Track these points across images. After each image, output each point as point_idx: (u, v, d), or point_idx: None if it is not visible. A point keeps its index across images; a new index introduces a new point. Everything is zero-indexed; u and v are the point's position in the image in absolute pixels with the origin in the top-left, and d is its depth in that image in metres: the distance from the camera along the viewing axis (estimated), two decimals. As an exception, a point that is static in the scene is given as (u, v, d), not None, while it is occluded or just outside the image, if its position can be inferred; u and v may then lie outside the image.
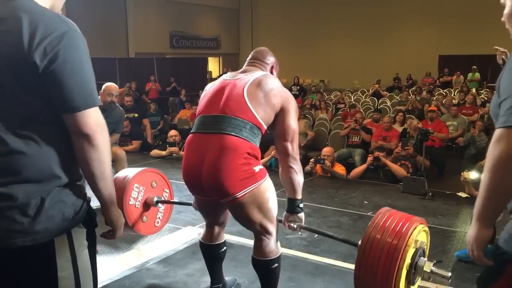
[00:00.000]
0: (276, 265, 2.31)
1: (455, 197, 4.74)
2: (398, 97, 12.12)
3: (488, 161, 1.27)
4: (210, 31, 21.21)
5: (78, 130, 1.29)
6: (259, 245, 2.28)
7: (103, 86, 4.41)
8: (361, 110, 9.15)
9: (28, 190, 1.26)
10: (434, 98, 11.33)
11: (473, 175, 4.12)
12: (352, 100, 11.92)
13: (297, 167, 2.24)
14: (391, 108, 10.17)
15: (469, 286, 2.79)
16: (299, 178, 2.25)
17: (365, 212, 4.27)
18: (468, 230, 1.45)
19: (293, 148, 2.22)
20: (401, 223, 2.04)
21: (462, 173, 4.25)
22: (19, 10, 1.25)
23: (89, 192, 1.42)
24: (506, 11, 1.43)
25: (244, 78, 2.21)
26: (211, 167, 2.06)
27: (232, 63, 20.23)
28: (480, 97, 11.57)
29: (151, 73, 14.25)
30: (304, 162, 5.64)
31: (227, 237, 2.69)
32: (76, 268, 1.35)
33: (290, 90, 12.04)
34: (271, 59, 2.43)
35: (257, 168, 2.13)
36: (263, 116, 2.15)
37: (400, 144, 5.86)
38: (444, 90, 13.83)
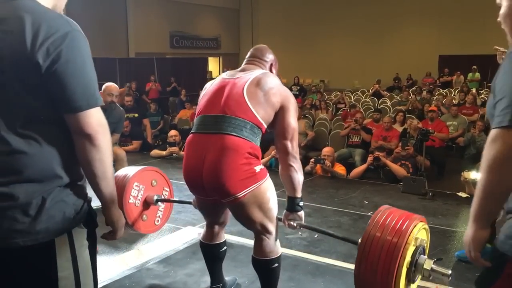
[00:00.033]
0: (276, 265, 2.31)
1: (455, 197, 4.74)
2: (398, 97, 12.12)
3: (484, 161, 1.27)
4: (210, 31, 21.20)
5: (80, 130, 1.29)
6: (259, 244, 2.28)
7: (103, 86, 4.41)
8: (361, 110, 9.15)
9: (30, 190, 1.26)
10: (434, 98, 11.32)
11: (473, 175, 4.12)
12: (352, 100, 11.92)
13: (297, 165, 2.24)
14: (391, 108, 10.17)
15: (469, 286, 2.79)
16: (299, 177, 2.25)
17: (365, 212, 4.27)
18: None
19: (293, 146, 2.22)
20: (401, 221, 2.04)
21: (462, 173, 4.25)
22: (22, 10, 1.25)
23: (89, 192, 1.42)
24: (502, 11, 1.43)
25: (244, 77, 2.21)
26: (212, 167, 2.06)
27: (232, 63, 20.21)
28: (480, 97, 11.56)
29: (151, 73, 14.26)
30: (304, 162, 5.64)
31: (227, 237, 2.69)
32: (77, 268, 1.35)
33: (290, 90, 11.94)
34: (270, 57, 2.42)
35: (258, 168, 2.13)
36: (263, 116, 2.15)
37: (400, 144, 5.86)
38: (444, 90, 13.83)
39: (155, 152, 6.90)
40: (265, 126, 2.17)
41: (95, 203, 1.44)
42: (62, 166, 1.31)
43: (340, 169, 5.81)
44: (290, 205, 2.32)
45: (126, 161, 4.63)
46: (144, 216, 3.23)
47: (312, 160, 5.74)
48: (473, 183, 4.15)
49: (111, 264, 3.07)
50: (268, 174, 2.20)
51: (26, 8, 1.25)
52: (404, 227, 2.01)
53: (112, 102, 4.42)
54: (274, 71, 2.43)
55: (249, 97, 2.13)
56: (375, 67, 18.62)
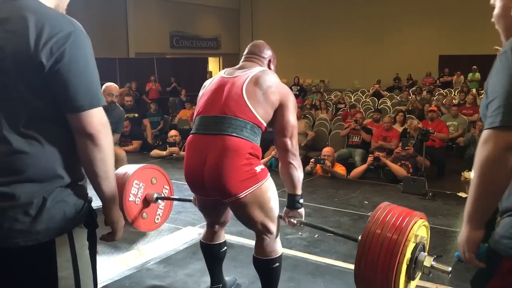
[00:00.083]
0: (277, 264, 2.31)
1: (456, 197, 4.73)
2: (398, 97, 12.12)
3: (476, 162, 1.28)
4: (210, 31, 21.19)
5: (82, 130, 1.29)
6: (260, 244, 2.28)
7: (103, 86, 4.41)
8: (361, 110, 9.15)
9: (31, 190, 1.26)
10: (435, 98, 11.32)
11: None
12: (352, 100, 11.92)
13: (296, 162, 2.23)
14: (391, 108, 10.17)
15: (469, 286, 2.77)
16: (298, 174, 2.25)
17: (365, 212, 4.26)
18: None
19: (292, 143, 2.22)
20: (401, 217, 2.04)
21: (462, 173, 4.26)
22: (25, 9, 1.25)
23: (90, 192, 1.42)
24: (495, 12, 1.44)
25: (242, 76, 2.20)
26: (214, 168, 2.06)
27: (232, 63, 19.83)
28: (480, 97, 11.52)
29: (151, 73, 14.26)
30: (305, 162, 5.63)
31: (227, 237, 2.69)
32: (77, 268, 1.35)
33: (290, 90, 12.00)
34: (268, 53, 2.41)
35: (259, 168, 2.13)
36: (262, 115, 2.14)
37: (400, 144, 5.86)
38: (445, 90, 13.82)
39: (155, 152, 6.91)
40: (265, 125, 2.17)
41: (96, 203, 1.44)
42: (63, 166, 1.31)
43: (340, 169, 5.81)
44: (290, 203, 2.32)
45: (126, 161, 4.64)
46: (144, 214, 3.23)
47: (312, 160, 5.74)
48: (473, 183, 4.14)
49: (111, 264, 3.07)
50: (269, 174, 2.20)
51: (29, 7, 1.26)
52: (404, 224, 2.00)
53: (112, 102, 4.43)
54: (272, 67, 2.42)
55: (248, 97, 2.12)
56: (375, 67, 18.61)
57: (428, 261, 2.06)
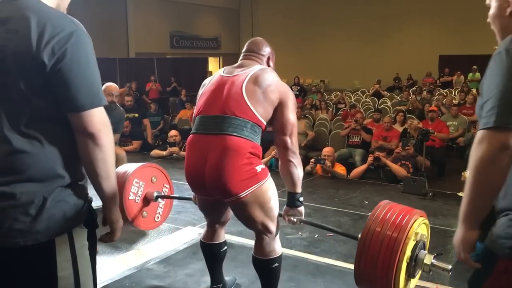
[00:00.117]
0: (276, 264, 2.31)
1: (456, 197, 4.72)
2: (398, 97, 12.12)
3: (471, 163, 1.29)
4: (210, 31, 21.19)
5: (83, 129, 1.29)
6: (260, 244, 2.28)
7: (103, 86, 4.41)
8: (362, 110, 9.15)
9: (31, 190, 1.26)
10: (435, 98, 11.31)
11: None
12: (353, 100, 11.92)
13: (296, 160, 2.23)
14: (391, 108, 10.17)
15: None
16: (298, 172, 2.24)
17: (366, 212, 4.26)
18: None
19: (292, 141, 2.21)
20: (401, 215, 2.04)
21: (462, 173, 4.26)
22: (26, 9, 1.25)
23: (90, 192, 1.41)
24: (491, 12, 1.44)
25: (242, 75, 2.20)
26: (214, 168, 2.06)
27: (232, 63, 19.79)
28: (480, 97, 11.54)
29: (152, 73, 14.25)
30: (305, 162, 5.62)
31: (227, 237, 2.69)
32: (76, 268, 1.35)
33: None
34: (266, 50, 2.41)
35: (259, 168, 2.13)
36: (262, 113, 2.14)
37: (400, 144, 5.86)
38: (445, 90, 13.82)
39: (155, 152, 6.91)
40: (265, 123, 2.17)
41: (96, 203, 1.44)
42: (64, 166, 1.31)
43: (340, 169, 5.81)
44: (290, 201, 2.32)
45: (127, 161, 4.63)
46: (144, 212, 3.23)
47: (312, 160, 5.74)
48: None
49: (111, 264, 3.07)
50: (269, 174, 2.20)
51: (30, 7, 1.26)
52: (404, 221, 2.00)
53: (112, 102, 4.43)
54: (271, 64, 2.42)
55: (248, 96, 2.12)
56: (375, 67, 18.59)
57: (428, 259, 2.06)
